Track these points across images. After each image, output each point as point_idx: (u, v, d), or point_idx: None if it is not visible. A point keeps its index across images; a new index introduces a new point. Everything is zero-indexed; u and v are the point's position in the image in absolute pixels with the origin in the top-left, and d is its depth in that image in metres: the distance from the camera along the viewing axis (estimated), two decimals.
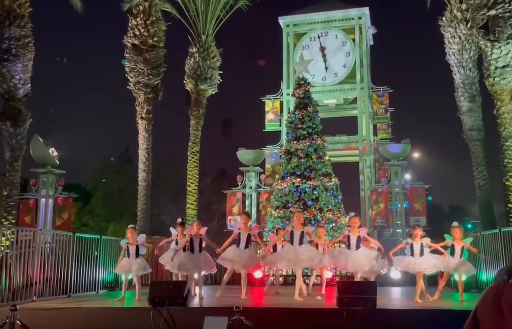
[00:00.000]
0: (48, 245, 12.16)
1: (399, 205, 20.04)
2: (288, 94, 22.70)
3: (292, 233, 10.42)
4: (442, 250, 10.52)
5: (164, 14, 21.82)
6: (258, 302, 10.25)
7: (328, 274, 12.44)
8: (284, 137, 21.50)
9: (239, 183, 21.91)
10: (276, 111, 23.63)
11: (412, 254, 10.16)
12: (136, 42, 20.63)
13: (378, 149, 22.13)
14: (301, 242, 10.29)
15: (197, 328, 6.89)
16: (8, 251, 10.47)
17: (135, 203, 21.03)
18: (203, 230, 10.95)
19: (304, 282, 12.36)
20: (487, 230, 14.23)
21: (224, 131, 45.86)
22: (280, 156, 19.68)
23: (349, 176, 25.39)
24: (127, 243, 11.01)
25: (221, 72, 22.82)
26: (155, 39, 20.72)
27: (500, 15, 16.11)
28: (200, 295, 10.33)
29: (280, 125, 23.33)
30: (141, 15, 20.66)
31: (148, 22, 20.64)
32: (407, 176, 21.80)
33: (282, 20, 23.93)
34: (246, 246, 10.60)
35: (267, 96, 23.86)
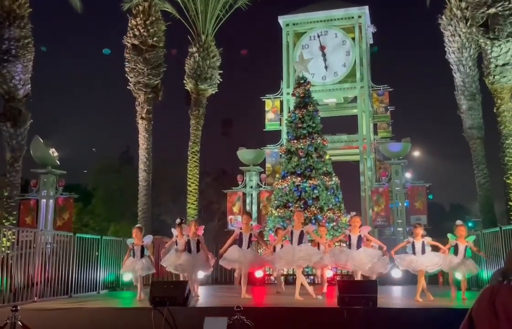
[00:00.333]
0: (49, 246, 12.18)
1: (400, 204, 20.06)
2: (288, 94, 22.70)
3: (291, 233, 10.44)
4: (443, 247, 10.52)
5: (163, 14, 21.82)
6: (259, 301, 10.26)
7: (329, 273, 12.44)
8: (284, 136, 21.50)
9: (240, 183, 21.93)
10: (276, 110, 23.63)
11: (413, 252, 10.16)
12: (136, 42, 20.63)
13: (378, 148, 22.13)
14: (300, 242, 10.29)
15: (198, 328, 6.90)
16: (9, 251, 10.48)
17: (135, 203, 21.04)
18: (200, 230, 10.96)
19: (310, 283, 12.42)
20: (488, 229, 14.24)
21: (224, 130, 45.92)
22: (281, 155, 19.69)
23: (350, 175, 25.42)
24: (133, 243, 11.06)
25: (221, 71, 22.82)
26: (154, 39, 20.72)
27: (500, 13, 16.10)
28: (196, 295, 10.35)
29: (280, 125, 23.33)
30: (141, 15, 20.65)
31: (147, 22, 20.63)
32: (408, 175, 21.82)
33: (281, 20, 23.92)
34: (248, 246, 10.62)
35: (267, 95, 23.86)
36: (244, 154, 22.01)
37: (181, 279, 10.63)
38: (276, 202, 18.04)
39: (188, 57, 22.40)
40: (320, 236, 11.96)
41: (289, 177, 17.86)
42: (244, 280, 10.73)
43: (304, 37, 23.74)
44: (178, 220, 11.39)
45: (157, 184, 25.87)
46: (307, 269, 14.41)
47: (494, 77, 16.88)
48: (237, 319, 6.96)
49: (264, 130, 23.91)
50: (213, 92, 22.65)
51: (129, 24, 20.86)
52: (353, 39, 23.15)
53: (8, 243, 10.79)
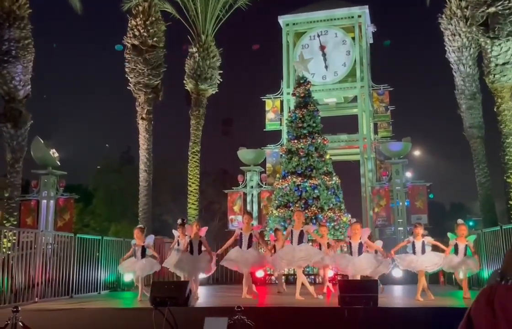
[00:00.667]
0: (50, 246, 12.19)
1: (400, 203, 20.06)
2: (288, 93, 22.71)
3: (291, 232, 10.44)
4: (443, 247, 10.52)
5: (163, 14, 21.82)
6: (260, 301, 10.26)
7: (329, 273, 12.44)
8: (284, 136, 21.51)
9: (240, 183, 21.94)
10: (277, 110, 23.63)
11: (413, 252, 10.16)
12: (136, 42, 20.63)
13: (379, 148, 22.13)
14: (300, 241, 10.29)
15: (199, 328, 6.90)
16: (9, 252, 10.48)
17: (136, 203, 21.05)
18: (203, 231, 10.97)
19: (310, 283, 12.41)
20: (489, 228, 14.24)
21: (224, 130, 45.92)
22: (281, 155, 19.69)
23: (350, 175, 25.41)
24: (135, 244, 11.08)
25: (221, 71, 22.83)
26: (154, 39, 20.71)
27: (500, 12, 16.09)
28: (195, 296, 10.34)
29: (280, 124, 23.34)
30: (141, 16, 20.65)
31: (147, 22, 20.63)
32: (408, 174, 21.80)
33: (281, 19, 23.92)
34: (249, 246, 10.61)
35: (267, 95, 23.87)
36: (244, 154, 22.02)
37: (182, 279, 10.63)
38: (276, 202, 18.04)
39: (188, 57, 22.41)
40: (321, 236, 11.95)
41: (289, 177, 17.86)
42: (245, 280, 10.72)
43: (304, 36, 23.74)
44: (179, 221, 11.39)
45: (157, 184, 25.86)
46: (307, 269, 14.41)
47: (494, 76, 16.86)
48: (237, 319, 6.97)
49: (264, 130, 23.92)
50: (213, 92, 22.66)
51: (129, 25, 20.86)
52: (353, 38, 23.15)
53: (9, 244, 10.80)
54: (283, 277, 13.68)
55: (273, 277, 15.79)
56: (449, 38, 19.35)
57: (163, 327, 7.26)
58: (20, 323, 7.06)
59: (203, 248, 10.69)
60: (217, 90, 22.75)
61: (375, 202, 20.37)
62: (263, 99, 23.91)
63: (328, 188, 17.75)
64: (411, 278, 12.50)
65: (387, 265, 10.48)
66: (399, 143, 20.73)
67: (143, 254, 11.06)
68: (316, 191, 17.41)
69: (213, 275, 15.18)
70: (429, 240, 10.37)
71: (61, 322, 8.47)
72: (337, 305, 7.81)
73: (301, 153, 18.01)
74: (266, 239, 15.26)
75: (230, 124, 46.32)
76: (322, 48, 23.15)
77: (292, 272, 15.07)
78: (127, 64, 20.89)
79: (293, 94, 19.93)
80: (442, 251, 10.50)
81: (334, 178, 18.09)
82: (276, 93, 23.68)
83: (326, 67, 23.07)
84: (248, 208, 21.24)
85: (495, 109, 17.23)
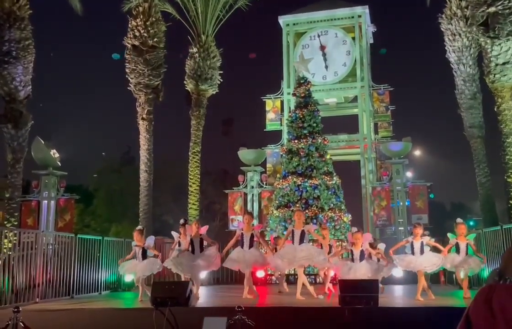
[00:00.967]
0: (51, 247, 12.20)
1: (401, 203, 20.07)
2: (288, 93, 22.72)
3: (292, 232, 10.44)
4: (441, 248, 10.53)
5: (164, 14, 21.81)
6: (260, 301, 10.26)
7: (330, 273, 12.43)
8: (285, 136, 21.53)
9: (241, 183, 21.95)
10: (277, 110, 23.65)
11: (412, 252, 10.18)
12: (136, 43, 20.62)
13: (379, 147, 22.14)
14: (301, 241, 10.30)
15: (200, 328, 6.91)
16: (10, 253, 10.49)
17: (137, 203, 21.04)
18: (204, 229, 10.98)
19: (311, 283, 12.41)
20: (489, 227, 14.24)
21: (225, 130, 45.93)
22: (281, 155, 19.71)
23: (350, 175, 25.41)
24: (135, 245, 11.10)
25: (221, 72, 22.83)
26: (155, 40, 20.71)
27: (500, 12, 16.08)
28: (196, 296, 10.34)
29: (281, 124, 23.35)
30: (141, 16, 20.64)
31: (148, 23, 20.63)
32: (409, 174, 21.81)
33: (281, 20, 23.94)
34: (250, 246, 10.61)
35: (267, 95, 23.88)
36: (245, 154, 22.03)
37: (183, 279, 10.63)
38: (277, 202, 18.06)
39: (188, 58, 22.41)
40: (323, 237, 11.94)
41: (290, 177, 17.87)
42: (247, 280, 10.73)
43: (304, 36, 23.76)
44: (182, 221, 11.40)
45: (158, 185, 25.88)
46: (308, 269, 14.41)
47: (494, 76, 16.86)
48: (238, 319, 6.98)
49: (264, 130, 23.94)
50: (214, 92, 22.67)
51: (129, 25, 20.85)
52: (353, 38, 23.16)
53: (10, 245, 10.81)
54: (284, 277, 13.66)
55: (273, 277, 15.79)
56: (449, 38, 19.35)
57: (164, 327, 7.27)
58: (21, 324, 7.07)
59: (205, 244, 10.70)
60: (217, 90, 22.75)
61: (375, 202, 20.37)
62: (264, 99, 23.92)
63: (329, 188, 17.76)
64: (411, 278, 12.51)
65: (388, 269, 10.50)
66: (400, 143, 20.73)
67: (144, 256, 11.08)
68: (316, 191, 17.42)
69: (214, 275, 15.21)
70: (427, 241, 10.38)
71: (62, 322, 8.48)
72: (337, 305, 7.82)
73: (301, 153, 18.02)
74: (267, 239, 15.28)
75: (230, 124, 46.35)
76: (322, 48, 23.16)
77: (292, 272, 15.07)
78: (127, 64, 20.89)
79: (294, 94, 19.94)
80: (441, 251, 10.51)
81: (334, 178, 18.10)
82: (277, 93, 23.69)
83: (326, 67, 23.09)
84: (249, 208, 21.25)
85: (495, 109, 17.22)
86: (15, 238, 10.91)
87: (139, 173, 20.94)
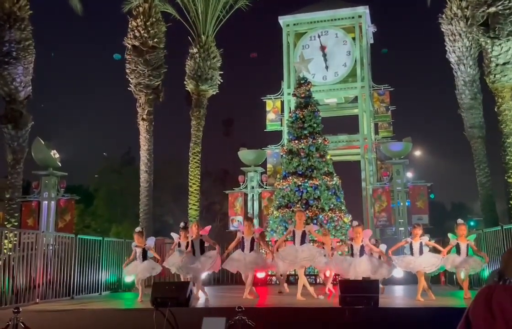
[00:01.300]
0: (51, 247, 12.20)
1: (401, 204, 20.06)
2: (289, 94, 22.72)
3: (294, 233, 10.43)
4: (440, 248, 10.53)
5: (164, 15, 21.81)
6: (260, 302, 10.26)
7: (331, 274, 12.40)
8: (285, 136, 21.53)
9: (241, 183, 21.95)
10: (277, 110, 23.66)
11: (411, 253, 10.17)
12: (137, 43, 20.62)
13: (379, 148, 22.13)
14: (302, 242, 10.29)
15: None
16: (11, 253, 10.49)
17: (137, 204, 21.05)
18: (206, 230, 10.96)
19: (312, 283, 12.39)
20: (489, 228, 14.23)
21: (225, 130, 45.92)
22: (282, 155, 19.70)
23: (351, 175, 25.41)
24: (136, 246, 11.10)
25: (222, 72, 22.84)
26: (155, 40, 20.71)
27: (500, 12, 16.09)
28: (196, 296, 10.33)
29: (281, 125, 23.36)
30: (141, 17, 20.65)
31: (148, 23, 20.63)
32: (409, 174, 21.81)
33: (282, 20, 23.94)
34: (251, 249, 10.62)
35: (267, 96, 23.89)
36: (245, 154, 22.03)
37: (182, 280, 10.63)
38: (277, 202, 18.05)
39: (188, 58, 22.42)
40: (325, 243, 11.90)
41: (290, 177, 17.87)
42: (249, 282, 10.71)
43: (305, 37, 23.76)
44: (182, 224, 11.39)
45: (158, 185, 25.89)
46: (308, 269, 14.39)
47: (494, 76, 16.86)
48: (238, 320, 6.97)
49: (265, 130, 23.95)
50: (214, 92, 22.67)
51: (130, 26, 20.85)
52: (354, 38, 23.17)
53: (10, 245, 10.80)
54: (285, 277, 13.63)
55: (274, 278, 15.79)
56: (449, 38, 19.34)
57: (164, 328, 7.27)
58: (21, 324, 7.07)
59: (206, 245, 10.70)
60: (217, 91, 22.76)
61: (376, 202, 20.35)
62: (264, 100, 23.93)
63: (329, 188, 17.76)
64: (411, 278, 12.50)
65: (389, 269, 10.49)
66: (400, 143, 20.73)
67: (145, 256, 11.08)
68: (317, 191, 17.42)
69: (214, 275, 15.18)
70: (426, 241, 10.38)
71: (62, 323, 8.48)
72: (338, 305, 7.81)
73: (301, 154, 18.02)
74: (267, 239, 15.29)
75: (230, 125, 46.33)
76: (322, 48, 23.17)
77: (293, 272, 15.05)
78: (127, 65, 20.89)
79: (294, 95, 19.94)
80: (440, 252, 10.51)
81: (335, 178, 18.09)
82: (277, 94, 23.69)
83: (326, 67, 23.09)
84: (249, 208, 21.27)
85: (495, 109, 17.22)
86: (15, 238, 10.91)
87: (139, 174, 20.94)
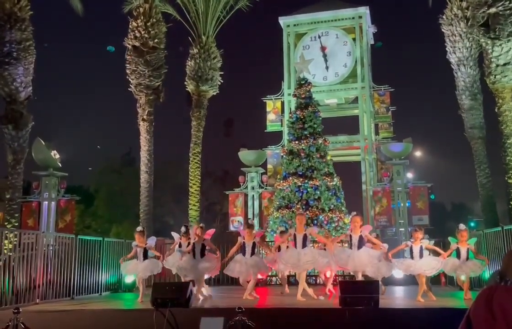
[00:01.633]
0: (51, 248, 12.19)
1: (402, 204, 20.05)
2: (289, 94, 22.73)
3: (295, 237, 10.42)
4: (441, 252, 10.53)
5: (164, 15, 21.82)
6: (261, 302, 10.25)
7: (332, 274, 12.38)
8: (285, 137, 21.52)
9: (241, 184, 21.94)
10: (277, 111, 23.67)
11: (411, 256, 10.19)
12: (137, 44, 20.63)
13: (379, 148, 22.13)
14: (304, 245, 10.28)
15: None
16: (11, 254, 10.48)
17: (137, 204, 21.05)
18: (209, 234, 10.93)
19: (308, 283, 12.35)
20: (490, 228, 14.22)
21: (225, 131, 45.93)
22: (282, 156, 19.70)
23: (351, 176, 25.41)
24: (136, 245, 11.08)
25: (222, 73, 22.85)
26: (155, 40, 20.71)
27: (501, 12, 16.08)
28: (196, 297, 10.32)
29: (281, 125, 23.37)
30: (142, 17, 20.65)
31: (148, 24, 20.64)
32: (409, 175, 21.80)
33: (282, 21, 23.95)
34: (252, 254, 10.62)
35: (268, 96, 23.90)
36: (245, 155, 22.03)
37: (183, 280, 10.62)
38: (277, 203, 18.05)
39: (189, 59, 22.43)
40: (327, 246, 11.88)
41: (290, 178, 17.86)
42: (251, 284, 10.70)
43: (305, 37, 23.77)
44: (183, 229, 11.39)
45: (159, 185, 25.91)
46: (309, 270, 14.37)
47: (495, 77, 16.86)
48: (238, 320, 6.97)
49: (265, 131, 23.95)
50: (214, 93, 22.68)
51: (130, 26, 20.86)
52: (354, 39, 23.17)
53: (10, 246, 10.80)
54: (286, 278, 13.61)
55: (274, 278, 15.79)
56: (450, 39, 19.35)
57: (164, 328, 7.26)
58: (21, 324, 7.06)
59: (207, 249, 10.68)
60: (218, 91, 22.77)
61: (376, 203, 20.35)
62: (264, 100, 23.93)
63: (329, 189, 17.75)
64: (411, 279, 12.46)
65: (389, 268, 10.51)
66: (400, 144, 20.72)
67: (145, 256, 11.07)
68: (317, 192, 17.41)
69: (214, 276, 15.17)
70: (426, 245, 10.40)
71: (62, 323, 8.47)
72: (338, 306, 7.80)
73: (302, 154, 18.01)
74: (268, 240, 15.27)
75: (231, 125, 46.33)
76: (323, 49, 23.18)
77: (293, 273, 15.04)
78: (128, 65, 20.89)
79: (294, 95, 19.94)
80: (440, 255, 10.51)
81: (335, 179, 18.08)
82: (277, 94, 23.69)
83: (327, 68, 23.10)
84: (249, 209, 21.26)
85: (496, 110, 17.22)
86: (15, 239, 10.90)
87: (139, 174, 20.94)
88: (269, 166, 22.99)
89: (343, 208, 17.85)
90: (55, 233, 15.60)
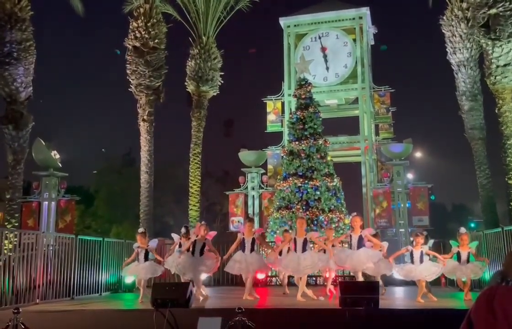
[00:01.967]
0: (51, 248, 12.19)
1: (402, 205, 20.03)
2: (289, 95, 22.73)
3: (295, 241, 10.41)
4: (440, 257, 10.54)
5: (164, 16, 21.82)
6: (261, 303, 10.25)
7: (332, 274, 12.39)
8: (285, 137, 21.52)
9: (241, 184, 21.94)
10: (278, 112, 23.67)
11: (412, 261, 10.20)
12: (137, 44, 20.62)
13: (380, 149, 22.12)
14: (304, 249, 10.28)
15: None
16: (11, 254, 10.48)
17: (138, 204, 21.04)
18: (210, 235, 10.92)
19: (308, 283, 12.36)
20: (490, 229, 14.21)
21: (226, 131, 45.94)
22: (282, 156, 19.70)
23: (351, 176, 25.42)
24: (138, 247, 11.08)
25: (222, 73, 22.84)
26: (156, 41, 20.71)
27: (501, 13, 16.08)
28: (196, 297, 10.30)
29: (281, 126, 23.37)
30: (142, 18, 20.65)
31: (149, 24, 20.63)
32: (410, 176, 21.79)
33: (282, 21, 23.95)
34: (252, 250, 10.61)
35: (268, 97, 23.90)
36: (245, 155, 22.02)
37: (182, 281, 10.60)
38: (277, 203, 18.05)
39: (189, 59, 22.42)
40: (327, 238, 11.91)
41: (290, 179, 17.86)
42: (248, 284, 10.71)
43: (305, 38, 23.77)
44: (183, 229, 11.38)
45: (159, 186, 25.89)
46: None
47: (495, 78, 16.85)
48: (238, 321, 6.97)
49: (265, 131, 23.95)
50: (215, 93, 22.67)
51: (130, 26, 20.86)
52: (354, 40, 23.17)
53: (10, 246, 10.80)
54: (286, 278, 13.62)
55: (274, 279, 15.79)
56: (450, 39, 19.34)
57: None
58: (21, 325, 7.06)
59: (206, 249, 10.66)
60: (218, 92, 22.77)
61: (376, 203, 20.34)
62: (264, 101, 23.94)
63: (329, 189, 17.75)
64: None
65: (389, 267, 10.54)
66: (400, 144, 20.71)
67: (146, 258, 11.06)
68: (317, 192, 17.41)
69: (214, 276, 15.17)
70: (427, 251, 10.41)
71: (62, 323, 8.47)
72: (338, 306, 7.80)
73: (302, 155, 18.02)
74: (268, 240, 15.26)
75: (231, 126, 46.35)
76: (323, 49, 23.19)
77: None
78: (128, 66, 20.89)
79: (294, 96, 19.95)
80: (440, 260, 10.52)
81: (335, 179, 18.09)
82: (277, 95, 23.69)
83: (327, 68, 23.11)
84: (249, 209, 21.25)
85: (496, 111, 17.21)
86: (15, 239, 10.90)
87: (139, 174, 20.94)
88: (269, 166, 22.99)
89: (343, 209, 17.85)
90: (55, 233, 15.60)
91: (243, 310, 7.10)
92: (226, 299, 11.50)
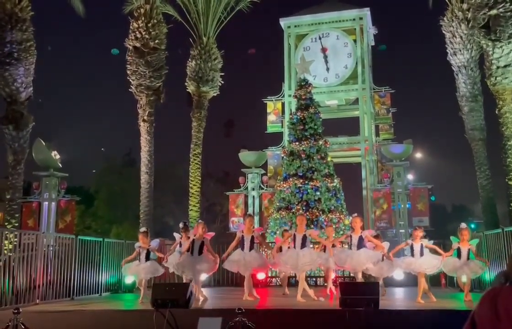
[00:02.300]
0: (51, 248, 12.19)
1: (402, 206, 20.03)
2: (289, 96, 22.74)
3: (294, 237, 10.42)
4: (441, 252, 10.53)
5: (165, 16, 21.82)
6: (261, 303, 10.25)
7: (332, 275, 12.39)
8: (286, 138, 21.53)
9: (242, 185, 21.94)
10: (278, 112, 23.68)
11: (412, 254, 10.21)
12: (138, 44, 20.62)
13: (380, 150, 22.12)
14: (303, 246, 10.28)
15: None
16: (11, 254, 10.48)
17: (137, 205, 21.04)
18: (209, 235, 10.91)
19: (308, 284, 12.36)
20: (490, 230, 14.21)
21: (226, 132, 45.97)
22: (282, 157, 19.71)
23: (351, 177, 25.43)
24: (139, 246, 11.07)
25: (223, 74, 22.84)
26: (156, 41, 20.71)
27: (501, 14, 16.08)
28: (197, 297, 10.30)
29: (282, 127, 23.38)
30: (142, 18, 20.65)
31: (149, 24, 20.63)
32: (410, 177, 21.78)
33: (283, 22, 23.95)
34: (251, 248, 10.59)
35: (268, 97, 23.91)
36: (246, 156, 22.02)
37: (184, 281, 10.59)
38: (278, 204, 18.04)
39: (189, 60, 22.43)
40: (327, 237, 11.93)
41: (291, 179, 17.86)
42: (247, 283, 10.70)
43: (306, 39, 23.78)
44: (182, 224, 11.36)
45: (159, 186, 25.90)
46: (309, 271, 14.37)
47: (495, 79, 16.85)
48: (238, 321, 6.96)
49: (265, 132, 23.96)
50: (215, 94, 22.68)
51: (131, 27, 20.86)
52: (355, 41, 23.17)
53: (10, 246, 10.80)
54: (287, 279, 13.62)
55: (274, 279, 15.78)
56: (450, 40, 19.33)
57: None
58: (21, 325, 7.06)
59: (205, 249, 10.64)
60: (218, 92, 22.77)
61: (376, 204, 20.34)
62: (265, 101, 23.93)
63: (330, 190, 17.75)
64: (412, 280, 12.48)
65: (390, 267, 10.54)
66: (401, 145, 20.71)
67: (147, 257, 11.06)
68: (317, 193, 17.41)
69: (214, 277, 15.17)
70: (426, 244, 10.40)
71: (62, 324, 8.47)
72: (338, 307, 7.80)
73: (302, 155, 18.01)
74: (268, 241, 15.26)
75: (231, 126, 46.38)
76: (323, 50, 23.20)
77: (293, 274, 15.04)
78: (128, 66, 20.89)
79: (295, 96, 19.96)
80: (440, 255, 10.51)
81: (335, 180, 18.09)
82: (278, 95, 23.70)
83: (327, 69, 23.11)
84: (249, 210, 21.24)
85: (496, 112, 17.21)
86: (15, 239, 10.91)
87: (140, 175, 20.93)
88: (270, 167, 23.00)
89: (343, 210, 17.85)
90: (55, 234, 15.60)
91: (243, 310, 7.10)
92: (226, 299, 11.50)
